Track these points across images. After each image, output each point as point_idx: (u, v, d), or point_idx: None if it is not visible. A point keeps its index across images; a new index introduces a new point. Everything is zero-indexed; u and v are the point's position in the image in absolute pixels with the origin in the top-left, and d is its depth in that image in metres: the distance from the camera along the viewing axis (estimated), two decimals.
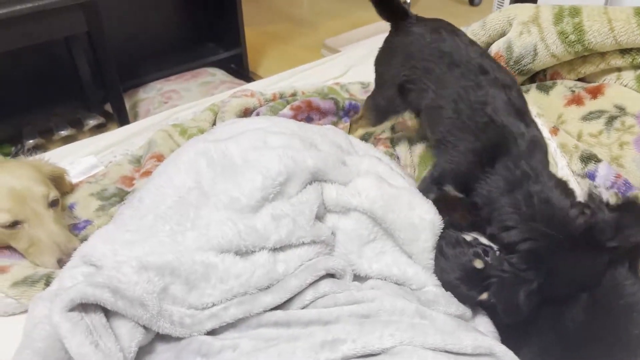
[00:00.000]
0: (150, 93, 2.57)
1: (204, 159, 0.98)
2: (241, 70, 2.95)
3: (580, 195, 0.90)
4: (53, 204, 1.01)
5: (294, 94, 1.49)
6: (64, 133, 2.46)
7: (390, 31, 1.16)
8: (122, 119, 2.38)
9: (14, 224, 0.96)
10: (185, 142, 1.27)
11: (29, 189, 0.98)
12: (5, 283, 0.92)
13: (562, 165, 1.00)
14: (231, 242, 0.85)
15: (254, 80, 2.92)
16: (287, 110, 1.36)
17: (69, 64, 2.46)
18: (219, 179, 0.95)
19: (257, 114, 1.39)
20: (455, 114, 0.95)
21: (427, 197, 0.95)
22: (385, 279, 0.91)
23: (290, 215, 0.89)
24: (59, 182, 1.11)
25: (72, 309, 0.71)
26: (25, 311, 0.93)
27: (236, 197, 0.90)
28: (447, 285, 0.89)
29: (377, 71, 1.18)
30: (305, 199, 0.92)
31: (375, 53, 1.66)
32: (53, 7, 1.89)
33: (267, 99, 1.45)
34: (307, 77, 1.68)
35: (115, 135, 1.41)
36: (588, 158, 0.96)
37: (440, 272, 0.90)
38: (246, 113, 1.40)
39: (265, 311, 0.83)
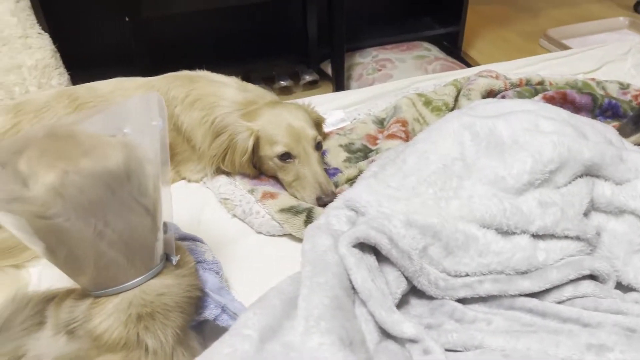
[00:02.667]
0: (366, 58, 2.66)
1: (469, 133, 0.99)
2: (454, 49, 2.89)
3: None
4: (318, 146, 1.12)
5: (541, 82, 1.42)
6: (283, 83, 2.68)
7: None
8: (339, 79, 2.51)
9: (287, 157, 1.08)
10: (433, 113, 1.30)
11: (304, 129, 1.09)
12: (274, 207, 1.04)
13: None
14: (494, 218, 0.85)
15: (466, 60, 2.85)
16: (538, 99, 1.30)
17: (299, 23, 2.65)
18: (483, 155, 0.95)
19: (503, 97, 1.35)
20: None
21: None
22: None
23: (558, 204, 0.86)
24: (319, 129, 1.22)
25: (354, 246, 0.78)
26: (284, 235, 1.05)
27: (502, 176, 0.90)
28: None
29: None
30: (575, 191, 0.88)
31: (633, 51, 1.50)
32: None
33: (513, 83, 1.41)
34: (554, 67, 1.58)
35: (359, 94, 1.49)
36: None
37: None
38: (491, 94, 1.38)
39: (519, 295, 0.82)
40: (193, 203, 1.13)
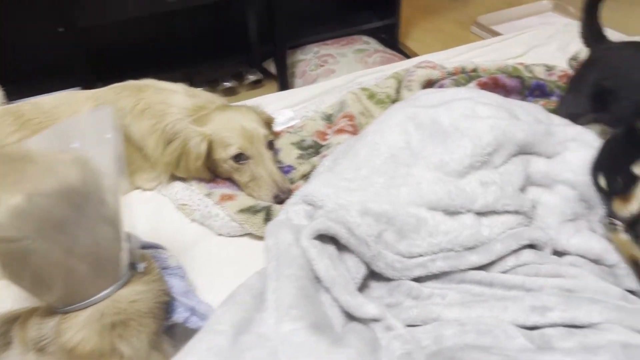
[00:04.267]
0: (308, 55, 2.70)
1: (413, 123, 1.05)
2: (391, 41, 2.99)
3: None
4: (270, 145, 1.15)
5: (474, 70, 1.51)
6: (227, 84, 2.69)
7: None
8: (282, 77, 2.55)
9: (241, 158, 1.11)
10: (377, 106, 1.36)
11: (255, 130, 1.12)
12: (233, 208, 1.07)
13: None
14: (441, 200, 0.92)
15: (404, 51, 2.95)
16: (472, 85, 1.38)
17: (239, 23, 2.66)
18: (428, 143, 1.02)
19: (441, 86, 1.43)
20: None
21: None
22: (583, 256, 0.93)
23: (497, 183, 0.94)
24: (268, 129, 1.25)
25: (315, 238, 0.83)
26: (245, 235, 1.08)
27: (445, 161, 0.97)
28: None
29: None
30: (512, 169, 0.96)
31: (557, 35, 1.62)
32: None
33: (450, 72, 1.49)
34: (485, 54, 1.68)
35: (306, 92, 1.53)
36: None
37: None
38: (429, 84, 1.45)
39: (468, 269, 0.89)
40: (150, 211, 1.14)
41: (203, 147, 1.10)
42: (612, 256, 0.89)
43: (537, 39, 1.73)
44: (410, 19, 3.32)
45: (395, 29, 2.99)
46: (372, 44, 2.81)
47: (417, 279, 0.90)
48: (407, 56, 2.79)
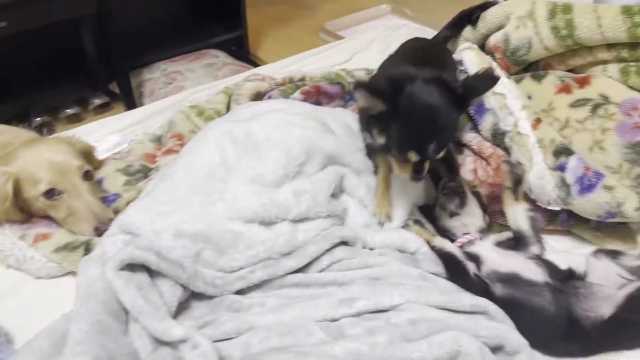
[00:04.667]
0: (155, 73, 2.63)
1: (228, 138, 1.08)
2: (242, 52, 3.01)
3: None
4: (87, 176, 1.10)
5: (302, 79, 1.58)
6: (70, 111, 2.53)
7: None
8: (129, 98, 2.46)
9: (54, 194, 1.05)
10: (207, 123, 1.37)
11: (67, 162, 1.07)
12: (48, 248, 1.01)
13: (537, 160, 1.09)
14: (256, 213, 0.95)
15: (254, 61, 2.99)
16: (297, 95, 1.44)
17: (76, 45, 2.51)
18: (243, 156, 1.05)
19: (269, 97, 1.47)
20: None
21: None
22: (388, 247, 1.01)
23: (310, 191, 0.99)
24: (89, 158, 1.20)
25: (122, 269, 0.81)
26: (67, 274, 1.03)
27: (260, 173, 1.01)
28: None
29: None
30: (324, 177, 1.02)
31: (378, 39, 1.75)
32: None
33: (278, 83, 1.54)
34: (315, 62, 1.77)
35: (136, 114, 1.49)
36: (560, 152, 1.07)
37: None
38: (258, 96, 1.49)
39: (287, 274, 0.94)
40: None
41: (9, 187, 1.03)
42: (412, 244, 0.99)
43: (360, 45, 1.85)
44: (260, 29, 3.38)
45: (244, 40, 3.03)
46: (222, 57, 2.82)
47: (241, 291, 0.93)
48: (258, 66, 2.83)
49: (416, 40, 1.39)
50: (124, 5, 2.52)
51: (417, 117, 0.88)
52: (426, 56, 1.20)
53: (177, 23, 2.97)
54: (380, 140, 0.93)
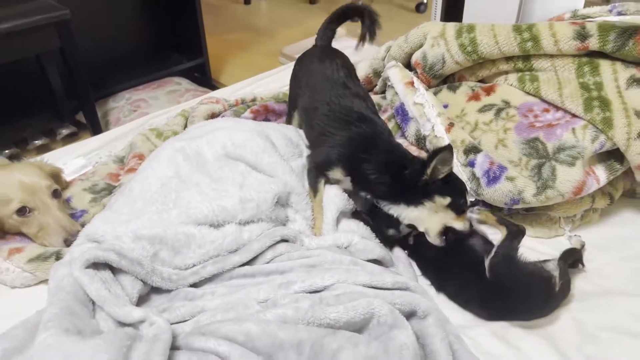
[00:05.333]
0: (120, 102, 2.76)
1: (181, 155, 1.22)
2: (204, 79, 3.17)
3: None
4: (56, 194, 1.23)
5: (253, 100, 1.74)
6: (37, 143, 2.62)
7: None
8: (95, 127, 2.57)
9: (25, 211, 1.17)
10: (163, 142, 1.51)
11: (36, 182, 1.20)
12: (22, 260, 1.13)
13: None
14: (206, 217, 1.09)
15: (217, 87, 3.15)
16: (247, 114, 1.60)
17: (41, 77, 2.63)
18: (195, 171, 1.19)
19: (223, 117, 1.63)
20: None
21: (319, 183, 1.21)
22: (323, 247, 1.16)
23: (255, 200, 1.13)
24: (57, 179, 1.33)
25: (87, 267, 0.94)
26: (40, 282, 1.15)
27: (207, 184, 1.15)
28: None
29: None
30: (269, 189, 1.16)
31: None
32: (29, 26, 2.08)
33: (231, 104, 1.70)
34: (267, 84, 1.93)
35: (100, 139, 1.63)
36: (470, 150, 1.25)
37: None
38: (213, 117, 1.64)
39: (235, 268, 1.08)
40: None
41: None
42: (344, 241, 1.14)
43: None
44: (221, 56, 3.55)
45: (206, 67, 3.18)
46: (184, 84, 2.97)
47: (195, 284, 1.06)
48: None
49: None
50: (87, 38, 2.66)
51: None
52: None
53: (140, 53, 3.11)
54: None
